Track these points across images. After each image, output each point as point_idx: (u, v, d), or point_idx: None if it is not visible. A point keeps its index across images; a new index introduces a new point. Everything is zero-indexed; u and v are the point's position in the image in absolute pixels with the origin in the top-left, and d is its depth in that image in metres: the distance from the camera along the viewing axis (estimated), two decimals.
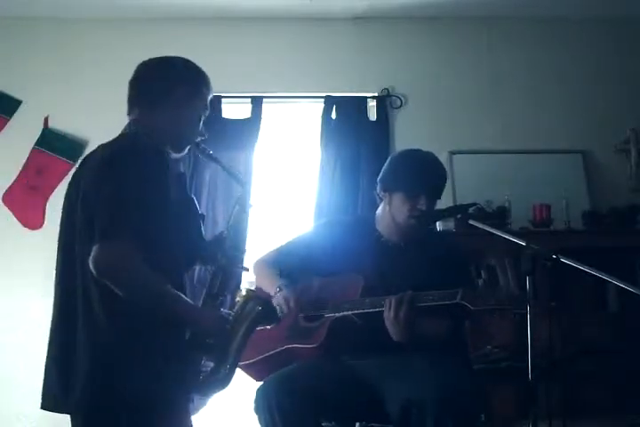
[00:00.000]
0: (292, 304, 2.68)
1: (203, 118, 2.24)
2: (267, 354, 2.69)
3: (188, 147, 2.24)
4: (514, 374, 3.68)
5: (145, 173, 1.97)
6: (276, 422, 2.44)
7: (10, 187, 4.38)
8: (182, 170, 2.23)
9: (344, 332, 2.63)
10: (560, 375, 3.20)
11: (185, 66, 2.24)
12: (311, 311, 2.72)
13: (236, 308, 2.23)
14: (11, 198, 4.38)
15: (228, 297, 2.33)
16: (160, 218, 1.97)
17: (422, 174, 2.74)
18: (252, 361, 2.71)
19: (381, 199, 2.83)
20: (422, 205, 2.70)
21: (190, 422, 2.12)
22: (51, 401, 2.04)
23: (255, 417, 2.56)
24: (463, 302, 2.45)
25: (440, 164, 2.82)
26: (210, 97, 2.25)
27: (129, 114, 2.19)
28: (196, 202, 2.24)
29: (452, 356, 2.69)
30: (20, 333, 4.18)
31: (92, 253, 1.91)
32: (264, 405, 2.49)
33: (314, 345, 2.62)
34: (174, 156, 2.22)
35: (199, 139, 2.25)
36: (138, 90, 2.18)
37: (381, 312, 2.55)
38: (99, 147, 2.12)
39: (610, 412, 3.78)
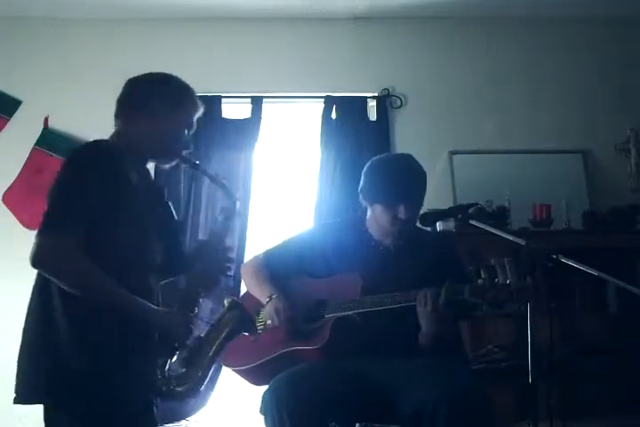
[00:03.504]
0: (282, 315, 2.69)
1: (187, 133, 2.30)
2: (266, 358, 2.66)
3: (174, 158, 2.31)
4: (514, 374, 3.68)
5: (94, 174, 2.05)
6: (285, 422, 2.42)
7: (10, 187, 4.39)
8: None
9: (347, 332, 2.62)
10: (560, 375, 3.21)
11: (165, 81, 2.31)
12: (312, 313, 2.71)
13: (217, 316, 2.28)
14: (11, 198, 4.38)
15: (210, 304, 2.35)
16: (108, 221, 2.03)
17: (396, 185, 2.70)
18: (250, 366, 2.69)
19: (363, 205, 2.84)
20: (402, 214, 2.68)
21: (154, 424, 2.14)
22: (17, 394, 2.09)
23: (260, 418, 2.54)
24: (472, 298, 2.45)
25: (415, 168, 2.76)
26: (197, 113, 2.32)
27: (114, 127, 2.29)
28: (172, 209, 2.31)
29: (454, 355, 2.69)
30: (20, 333, 4.17)
31: (32, 246, 2.00)
32: (273, 405, 2.46)
33: (317, 346, 2.60)
34: (164, 166, 2.34)
35: (185, 152, 2.31)
36: (119, 104, 2.29)
37: (386, 311, 2.54)
38: None
39: (610, 412, 3.77)
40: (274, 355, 2.65)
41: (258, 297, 2.82)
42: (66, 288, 2.00)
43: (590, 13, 4.46)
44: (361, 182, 2.83)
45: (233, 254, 2.41)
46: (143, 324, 2.08)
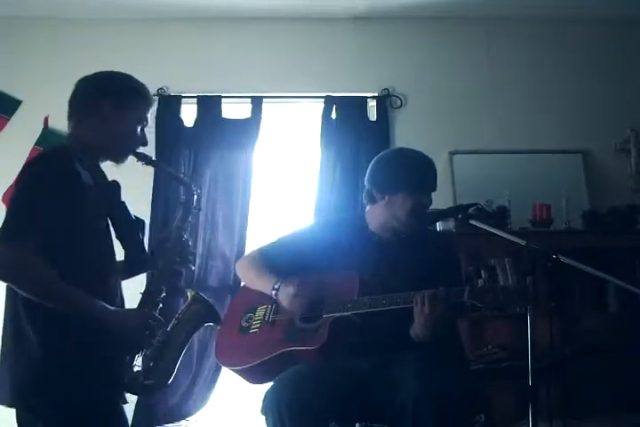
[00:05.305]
0: (295, 302, 2.69)
1: (140, 129, 2.29)
2: (264, 358, 2.64)
3: (127, 157, 2.30)
4: (514, 374, 3.68)
5: (49, 182, 2.07)
6: (285, 422, 2.41)
7: (10, 187, 4.38)
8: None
9: (345, 332, 2.61)
10: (560, 375, 3.21)
11: (113, 79, 2.29)
12: (309, 312, 2.71)
13: (181, 309, 2.33)
14: None
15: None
16: (65, 227, 2.04)
17: (421, 174, 2.75)
18: (249, 366, 2.69)
19: (373, 201, 2.82)
20: (425, 201, 2.74)
21: (121, 423, 2.17)
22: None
23: (260, 418, 2.54)
24: (472, 301, 2.45)
25: (429, 158, 2.82)
26: (149, 109, 2.31)
27: (68, 128, 2.28)
28: (127, 208, 2.30)
29: (451, 354, 2.69)
30: None
31: None
32: (273, 405, 2.46)
33: (315, 347, 2.59)
34: (118, 164, 2.30)
35: (140, 148, 2.31)
36: (69, 105, 2.27)
37: (384, 310, 2.54)
38: None
39: (610, 412, 3.78)
40: (272, 355, 2.65)
41: (260, 289, 2.81)
42: (25, 295, 2.03)
43: (590, 13, 4.46)
44: (374, 176, 2.81)
45: (193, 248, 2.43)
46: (102, 324, 2.09)
